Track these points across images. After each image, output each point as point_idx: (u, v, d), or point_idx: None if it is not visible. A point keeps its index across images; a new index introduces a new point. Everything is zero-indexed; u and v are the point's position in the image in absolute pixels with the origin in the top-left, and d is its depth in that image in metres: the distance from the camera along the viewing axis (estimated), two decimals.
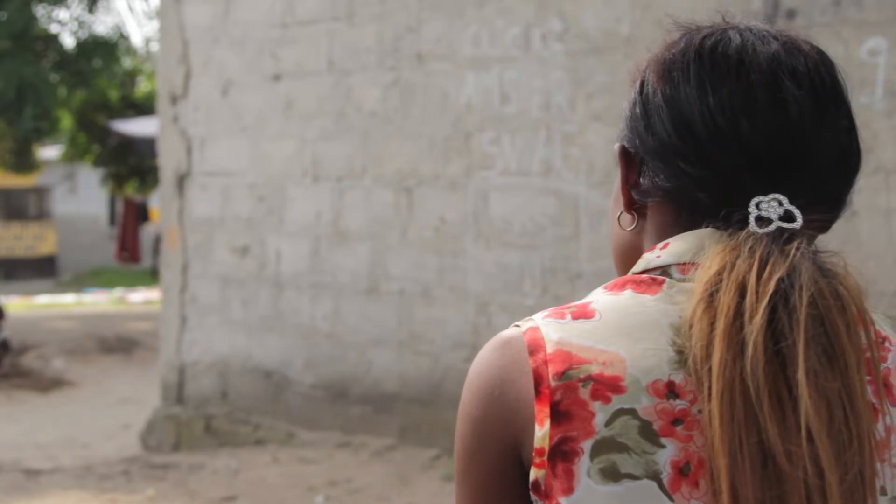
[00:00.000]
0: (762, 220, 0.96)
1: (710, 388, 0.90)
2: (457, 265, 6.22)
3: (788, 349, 0.89)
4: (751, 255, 0.93)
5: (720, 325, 0.91)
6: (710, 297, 0.92)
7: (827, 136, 1.00)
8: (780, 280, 0.91)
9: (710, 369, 0.90)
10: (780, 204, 0.97)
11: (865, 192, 4.73)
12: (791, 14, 5.01)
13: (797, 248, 0.94)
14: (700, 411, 0.92)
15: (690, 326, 0.92)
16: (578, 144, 5.75)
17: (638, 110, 1.04)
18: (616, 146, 1.07)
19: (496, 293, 6.05)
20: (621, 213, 1.07)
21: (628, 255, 1.07)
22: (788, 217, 0.96)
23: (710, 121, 0.99)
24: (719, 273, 0.93)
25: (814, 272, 0.92)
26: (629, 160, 1.05)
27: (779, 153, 0.98)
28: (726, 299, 0.91)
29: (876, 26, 4.82)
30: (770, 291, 0.91)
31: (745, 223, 0.97)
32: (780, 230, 0.95)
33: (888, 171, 4.78)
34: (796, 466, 0.88)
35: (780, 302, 0.91)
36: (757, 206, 0.97)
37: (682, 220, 1.02)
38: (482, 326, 6.08)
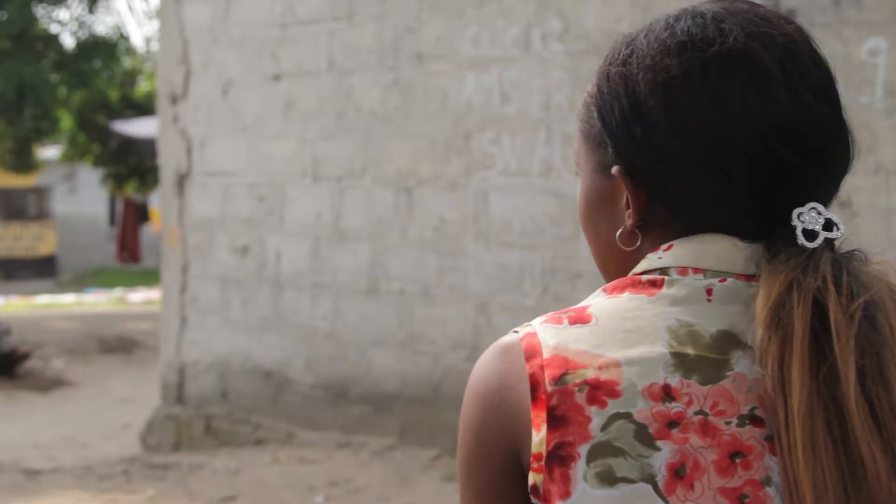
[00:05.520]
0: (807, 233, 0.95)
1: (787, 415, 0.89)
2: (457, 265, 6.22)
3: (879, 373, 0.89)
4: (817, 274, 0.92)
5: (796, 349, 0.90)
6: (777, 320, 0.91)
7: (843, 136, 1.00)
8: (867, 304, 0.91)
9: (785, 395, 0.89)
10: (819, 213, 0.96)
11: (865, 192, 4.73)
12: (791, 14, 5.01)
13: (867, 265, 0.94)
14: (697, 413, 0.91)
15: (762, 354, 0.91)
16: None
17: (637, 130, 0.99)
18: (614, 169, 1.01)
19: (496, 293, 6.05)
20: (621, 231, 1.02)
21: (622, 267, 1.04)
22: (827, 226, 0.95)
23: (745, 137, 0.96)
24: (784, 293, 0.92)
25: (888, 292, 0.92)
26: (635, 181, 1.01)
27: (810, 160, 0.97)
28: (800, 323, 0.90)
29: (876, 26, 4.82)
30: (859, 316, 0.90)
31: (775, 235, 0.95)
32: (827, 241, 0.95)
33: (888, 171, 4.78)
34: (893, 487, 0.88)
35: (867, 326, 0.90)
36: (798, 217, 0.95)
37: (695, 231, 1.00)
38: (482, 326, 6.08)
